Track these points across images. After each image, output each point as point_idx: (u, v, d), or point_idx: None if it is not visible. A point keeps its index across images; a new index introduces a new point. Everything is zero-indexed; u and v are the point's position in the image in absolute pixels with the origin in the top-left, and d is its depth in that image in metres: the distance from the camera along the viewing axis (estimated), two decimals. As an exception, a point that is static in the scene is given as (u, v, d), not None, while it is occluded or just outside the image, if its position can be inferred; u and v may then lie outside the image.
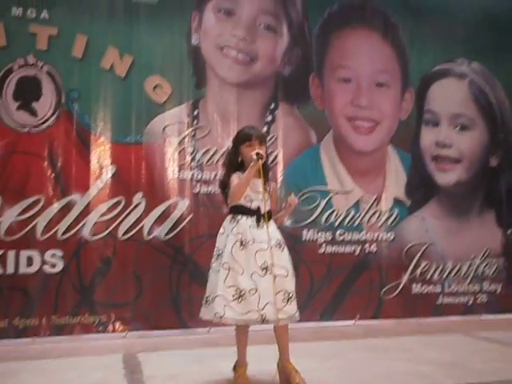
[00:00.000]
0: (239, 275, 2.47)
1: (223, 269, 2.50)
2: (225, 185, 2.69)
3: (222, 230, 2.67)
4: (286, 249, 2.62)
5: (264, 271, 2.48)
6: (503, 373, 2.82)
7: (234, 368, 2.69)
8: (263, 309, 2.42)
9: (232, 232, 2.56)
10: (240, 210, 2.59)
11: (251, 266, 2.47)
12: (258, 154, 2.53)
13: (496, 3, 5.27)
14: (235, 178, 2.60)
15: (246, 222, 2.56)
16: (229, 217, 2.65)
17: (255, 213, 2.58)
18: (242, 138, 2.66)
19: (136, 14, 4.13)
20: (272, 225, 2.62)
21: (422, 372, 2.84)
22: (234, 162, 2.67)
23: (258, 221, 2.56)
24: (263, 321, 2.43)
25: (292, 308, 2.50)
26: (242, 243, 2.51)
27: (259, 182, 2.60)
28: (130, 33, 4.11)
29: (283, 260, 2.56)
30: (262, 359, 2.71)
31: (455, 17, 5.04)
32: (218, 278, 2.50)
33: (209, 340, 3.75)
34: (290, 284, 2.52)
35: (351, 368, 2.96)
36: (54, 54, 3.91)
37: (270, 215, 2.60)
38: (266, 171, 2.65)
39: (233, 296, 2.45)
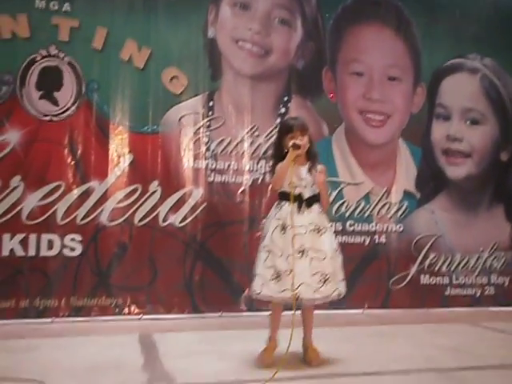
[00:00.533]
0: (277, 257, 2.64)
1: (264, 251, 2.71)
2: (272, 175, 2.87)
3: (268, 215, 2.86)
4: (327, 233, 2.74)
5: (300, 254, 2.63)
6: (507, 358, 2.90)
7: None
8: (297, 288, 2.57)
9: (275, 217, 2.73)
10: (284, 197, 2.75)
11: (288, 248, 2.62)
12: (293, 144, 2.69)
13: (508, 0, 5.31)
14: (278, 167, 2.76)
15: (288, 207, 2.70)
16: (276, 203, 2.81)
17: (297, 198, 2.71)
18: (284, 130, 2.82)
19: (154, 8, 4.24)
20: (314, 210, 2.75)
21: (428, 356, 2.94)
22: (279, 153, 2.82)
23: (299, 206, 2.70)
24: (297, 299, 2.58)
25: (328, 289, 2.66)
26: (282, 228, 2.68)
27: (304, 169, 2.76)
28: (148, 26, 4.22)
29: (321, 244, 2.69)
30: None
31: (468, 13, 5.09)
32: (259, 259, 2.71)
33: (221, 324, 3.87)
34: (326, 266, 2.66)
35: (360, 351, 3.06)
36: (75, 46, 4.03)
37: (312, 201, 2.75)
38: (311, 158, 2.80)
39: (271, 275, 2.64)
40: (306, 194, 2.75)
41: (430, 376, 2.56)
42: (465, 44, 5.03)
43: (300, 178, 2.76)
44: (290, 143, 2.70)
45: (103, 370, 2.55)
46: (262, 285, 2.65)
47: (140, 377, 2.47)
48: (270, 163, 3.03)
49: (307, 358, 2.76)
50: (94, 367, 2.60)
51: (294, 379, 2.53)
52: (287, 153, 2.75)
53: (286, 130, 2.80)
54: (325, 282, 2.63)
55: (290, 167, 2.70)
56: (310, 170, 2.78)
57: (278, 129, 2.95)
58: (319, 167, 2.84)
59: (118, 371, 2.53)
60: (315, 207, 2.76)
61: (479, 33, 5.07)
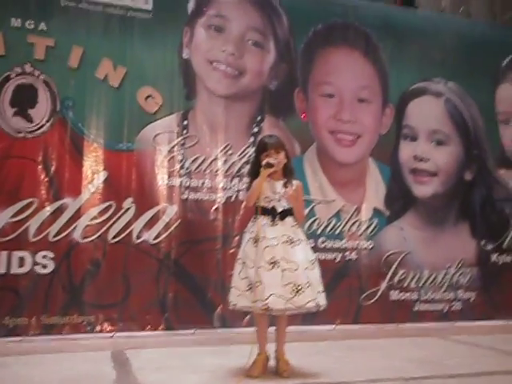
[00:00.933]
0: (249, 269, 2.72)
1: (238, 263, 2.81)
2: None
3: (245, 229, 2.94)
4: (300, 245, 2.82)
5: (271, 265, 2.69)
6: (472, 367, 3.00)
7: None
8: (267, 299, 2.63)
9: (249, 230, 2.84)
10: (260, 211, 2.84)
11: (259, 260, 2.70)
12: (266, 163, 2.80)
13: (470, 27, 5.64)
14: (253, 185, 2.86)
15: (262, 220, 2.79)
16: (252, 217, 2.90)
17: (270, 212, 2.80)
18: (259, 148, 2.93)
19: (130, 28, 4.32)
20: (287, 223, 2.83)
21: (396, 366, 3.02)
22: (256, 171, 2.89)
23: (272, 219, 2.79)
24: (267, 310, 2.65)
25: (301, 299, 2.71)
26: (255, 240, 2.77)
27: (279, 184, 2.86)
28: (123, 45, 4.30)
29: (293, 255, 2.76)
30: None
31: (432, 39, 5.35)
32: (235, 271, 2.81)
33: (194, 340, 3.88)
34: (299, 277, 2.71)
35: (331, 363, 3.12)
36: (51, 64, 4.07)
37: (285, 214, 2.83)
38: (287, 173, 2.91)
39: (246, 287, 2.72)
40: (280, 208, 2.84)
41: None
42: (430, 68, 5.27)
43: (274, 192, 2.86)
44: (263, 162, 2.80)
45: (76, 383, 2.54)
46: (238, 296, 2.73)
47: (113, 390, 2.47)
48: (247, 180, 3.13)
49: (279, 369, 2.81)
50: (66, 381, 2.58)
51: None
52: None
53: (261, 148, 2.92)
54: (297, 292, 2.68)
55: (264, 184, 2.80)
56: (285, 185, 2.88)
57: (255, 147, 3.06)
58: (295, 182, 2.93)
59: (90, 385, 2.53)
60: (289, 220, 2.84)
61: (443, 58, 5.33)
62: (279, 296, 2.66)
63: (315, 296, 2.79)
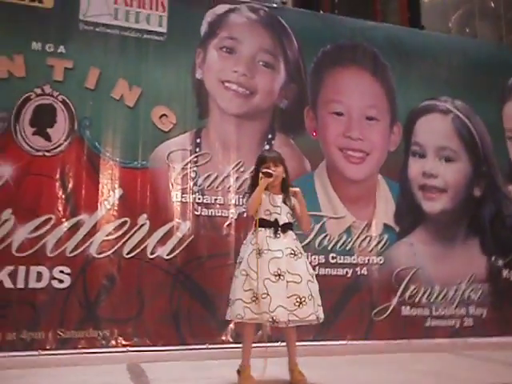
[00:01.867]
0: (254, 280, 2.73)
1: (241, 275, 2.80)
2: None
3: (245, 241, 2.98)
4: (302, 258, 2.87)
5: (277, 277, 2.72)
6: (486, 380, 3.02)
7: (238, 372, 2.88)
8: (274, 311, 2.66)
9: (251, 242, 2.86)
10: (261, 223, 2.89)
11: (264, 272, 2.73)
12: (264, 172, 2.86)
13: (476, 48, 5.76)
14: (252, 194, 2.93)
15: (264, 233, 2.84)
16: (252, 229, 2.94)
17: (273, 224, 2.85)
18: (259, 162, 3.00)
19: (145, 50, 4.48)
20: (289, 236, 2.88)
21: (410, 379, 3.04)
22: (255, 184, 2.96)
23: (275, 232, 2.83)
24: (274, 321, 2.68)
25: (304, 311, 2.74)
26: (258, 252, 2.79)
27: (279, 198, 2.93)
28: (139, 67, 4.45)
29: (297, 267, 2.80)
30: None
31: (439, 59, 5.48)
32: (237, 284, 2.80)
33: (208, 355, 3.91)
34: (302, 289, 2.76)
35: (344, 376, 3.15)
36: (69, 85, 4.22)
37: (287, 227, 2.89)
38: (285, 188, 2.96)
39: (251, 299, 2.72)
40: (281, 221, 2.89)
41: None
42: (437, 87, 5.38)
43: (275, 205, 2.91)
44: (262, 171, 2.87)
45: (94, 393, 2.60)
46: (244, 308, 2.73)
47: (131, 399, 2.53)
48: (247, 193, 3.18)
49: (293, 379, 2.84)
50: (84, 392, 2.64)
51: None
52: None
53: (260, 161, 2.99)
54: (300, 304, 2.73)
55: (264, 194, 2.88)
56: (284, 200, 2.94)
57: (255, 162, 3.11)
58: (292, 189, 3.00)
59: (109, 395, 2.58)
60: (290, 233, 2.90)
61: (450, 77, 5.45)
62: (284, 308, 2.68)
63: (316, 309, 2.83)
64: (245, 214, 4.45)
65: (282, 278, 2.73)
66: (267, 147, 4.67)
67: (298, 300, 2.73)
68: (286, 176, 2.99)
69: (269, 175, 2.85)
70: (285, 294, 2.71)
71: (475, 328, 4.98)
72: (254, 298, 2.72)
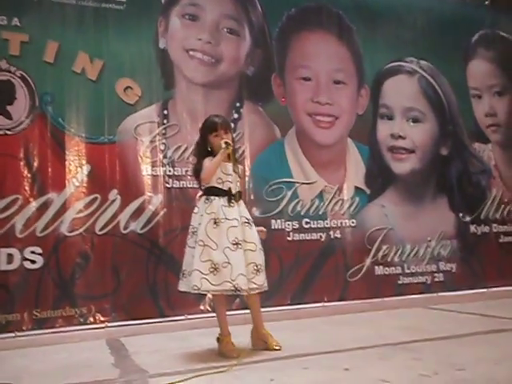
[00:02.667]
0: (213, 250, 2.70)
1: (199, 245, 2.74)
2: (198, 172, 2.93)
3: (196, 210, 2.92)
4: (253, 226, 2.88)
5: (235, 246, 2.72)
6: (454, 330, 3.15)
7: (218, 340, 2.91)
8: (235, 279, 2.67)
9: (206, 211, 2.80)
10: (213, 192, 2.86)
11: (223, 241, 2.72)
12: (226, 142, 2.82)
13: (439, 6, 5.75)
14: (207, 162, 2.87)
15: (219, 201, 2.81)
16: (203, 198, 2.90)
17: (226, 193, 2.83)
18: (208, 128, 2.92)
19: (104, 20, 4.32)
20: (242, 204, 2.89)
21: (383, 334, 3.15)
22: (203, 151, 2.93)
23: (229, 200, 2.82)
24: (236, 289, 2.68)
25: (260, 279, 2.77)
26: (215, 221, 2.76)
27: (230, 166, 2.88)
28: (99, 38, 4.29)
29: (251, 236, 2.82)
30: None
31: (404, 19, 5.48)
32: (194, 254, 2.74)
33: (187, 325, 3.95)
34: (258, 257, 2.79)
35: (322, 336, 3.24)
36: (27, 60, 4.04)
37: (240, 195, 2.87)
38: (234, 155, 2.92)
39: (209, 269, 2.68)
40: (234, 189, 2.87)
41: (385, 349, 2.76)
42: (402, 48, 5.39)
43: (227, 173, 2.88)
44: (223, 141, 2.82)
45: (75, 369, 2.60)
46: (201, 279, 2.68)
47: (112, 372, 2.54)
48: (194, 160, 3.12)
49: (269, 345, 2.85)
50: (65, 368, 2.65)
51: (259, 362, 2.65)
52: (211, 150, 2.89)
53: (210, 127, 2.92)
54: (257, 272, 2.75)
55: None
56: (234, 168, 2.90)
57: (201, 127, 3.04)
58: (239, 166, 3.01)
59: (90, 369, 2.59)
60: (242, 201, 2.90)
61: (415, 37, 5.46)
62: (244, 275, 2.69)
63: (265, 276, 2.84)
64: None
65: (239, 246, 2.73)
66: (236, 116, 4.64)
67: (255, 268, 2.75)
68: (233, 143, 2.97)
69: (229, 145, 2.82)
70: (244, 263, 2.71)
71: (446, 283, 5.17)
72: (212, 269, 2.68)
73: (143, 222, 4.22)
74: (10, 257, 3.86)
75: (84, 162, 4.14)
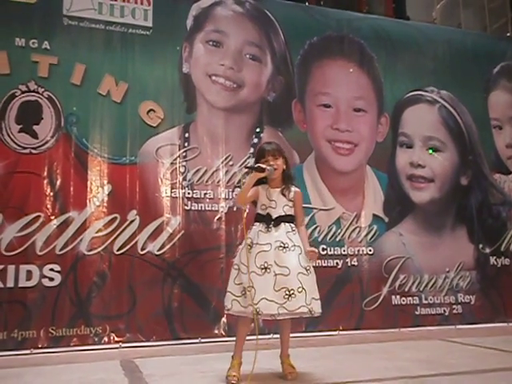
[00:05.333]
0: (243, 274, 2.76)
1: (234, 269, 2.85)
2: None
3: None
4: (294, 251, 2.80)
5: (263, 270, 2.72)
6: (474, 365, 3.07)
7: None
8: (257, 303, 2.66)
9: (246, 238, 2.85)
10: (256, 218, 2.92)
11: (251, 265, 2.74)
12: (257, 167, 2.84)
13: (461, 37, 5.80)
14: (247, 179, 2.93)
15: (258, 227, 2.87)
16: (252, 225, 2.95)
17: (265, 218, 2.87)
18: (259, 155, 2.97)
19: (131, 45, 4.46)
20: (281, 228, 2.85)
21: (400, 366, 3.08)
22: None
23: (267, 226, 2.84)
24: (258, 314, 2.67)
25: (293, 304, 2.71)
26: (250, 247, 2.81)
27: (274, 191, 2.92)
28: (125, 62, 4.42)
29: (285, 261, 2.76)
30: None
31: (425, 49, 5.54)
32: (230, 277, 2.85)
33: (201, 349, 3.93)
34: (292, 282, 2.73)
35: (336, 366, 3.18)
36: (55, 81, 4.18)
37: (280, 220, 2.86)
38: (286, 180, 2.95)
39: (241, 292, 2.76)
40: (275, 214, 2.87)
41: (403, 382, 2.70)
42: (423, 77, 5.43)
43: (271, 199, 2.90)
44: (253, 166, 2.86)
45: (89, 390, 2.60)
46: (233, 301, 2.76)
47: (126, 395, 2.53)
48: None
49: (284, 371, 2.85)
50: (79, 389, 2.64)
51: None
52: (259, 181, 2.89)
53: (260, 154, 2.96)
54: (289, 297, 2.70)
55: (262, 188, 2.88)
56: (282, 192, 2.91)
57: (255, 154, 3.10)
58: (293, 189, 2.96)
59: (104, 391, 2.58)
60: (283, 226, 2.86)
61: (436, 67, 5.50)
62: (271, 300, 2.67)
63: (309, 301, 2.76)
64: (235, 208, 4.46)
65: (268, 270, 2.72)
66: (255, 141, 4.68)
67: (287, 293, 2.71)
68: (286, 167, 2.96)
69: (260, 170, 2.82)
70: (272, 287, 2.70)
71: (464, 315, 5.07)
72: (243, 292, 2.74)
73: (161, 244, 4.26)
74: (29, 273, 3.91)
75: (105, 182, 4.21)
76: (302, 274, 2.78)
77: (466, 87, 5.50)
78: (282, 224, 2.87)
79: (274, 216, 2.87)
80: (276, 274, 2.73)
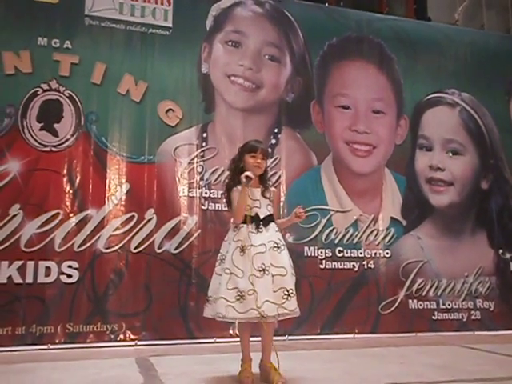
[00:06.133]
0: (239, 278, 2.66)
1: (225, 274, 2.71)
2: (229, 188, 2.91)
3: (226, 238, 2.88)
4: (285, 250, 2.79)
5: (262, 272, 2.66)
6: (491, 373, 3.01)
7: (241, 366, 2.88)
8: (261, 307, 2.60)
9: (233, 239, 2.77)
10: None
11: (249, 268, 2.66)
12: (247, 177, 2.73)
13: (483, 39, 5.71)
14: (235, 194, 2.82)
15: (247, 228, 2.77)
16: (232, 225, 2.87)
17: (253, 219, 2.79)
18: (248, 148, 2.90)
19: (151, 44, 4.49)
20: (271, 228, 2.82)
21: (416, 372, 3.04)
22: (237, 168, 2.89)
23: (257, 226, 2.78)
24: (262, 317, 2.61)
25: (291, 304, 2.69)
26: (241, 249, 2.72)
27: (257, 191, 2.85)
28: (144, 61, 4.46)
29: (281, 261, 2.74)
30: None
31: (446, 50, 5.47)
32: (220, 282, 2.71)
33: (216, 349, 3.93)
34: (288, 282, 2.71)
35: (351, 369, 3.15)
36: (75, 80, 4.24)
37: (268, 220, 2.82)
38: (264, 181, 2.91)
39: (235, 297, 2.64)
40: (262, 214, 2.82)
41: (421, 388, 2.67)
42: (444, 79, 5.36)
43: (254, 199, 2.83)
44: (243, 175, 2.73)
45: (105, 386, 2.62)
46: (227, 307, 2.63)
47: (141, 392, 2.54)
48: (227, 175, 3.09)
49: (272, 379, 2.69)
50: (95, 384, 2.67)
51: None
52: (243, 168, 2.82)
53: (249, 149, 2.88)
54: (288, 296, 2.67)
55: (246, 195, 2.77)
56: (262, 193, 2.86)
57: (241, 146, 3.00)
58: (272, 189, 2.94)
59: (119, 388, 2.60)
60: (272, 225, 2.83)
61: (457, 69, 5.43)
62: (271, 302, 2.63)
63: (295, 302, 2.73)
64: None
65: (266, 272, 2.67)
66: (273, 141, 4.68)
67: (286, 292, 2.67)
68: (265, 169, 2.92)
69: (250, 180, 2.74)
70: (271, 288, 2.65)
71: (483, 321, 4.98)
72: (238, 297, 2.64)
73: (177, 243, 4.28)
74: (48, 270, 3.97)
75: (123, 180, 4.25)
76: (292, 274, 2.77)
77: (488, 89, 5.41)
78: (271, 224, 2.83)
79: (262, 216, 2.81)
80: (273, 275, 2.68)
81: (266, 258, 2.70)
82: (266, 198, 2.87)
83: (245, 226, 2.78)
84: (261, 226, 2.78)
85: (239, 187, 2.82)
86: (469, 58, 5.53)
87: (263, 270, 2.67)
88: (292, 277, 2.77)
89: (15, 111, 4.05)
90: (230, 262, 2.72)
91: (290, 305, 2.69)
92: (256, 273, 2.66)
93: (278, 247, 2.78)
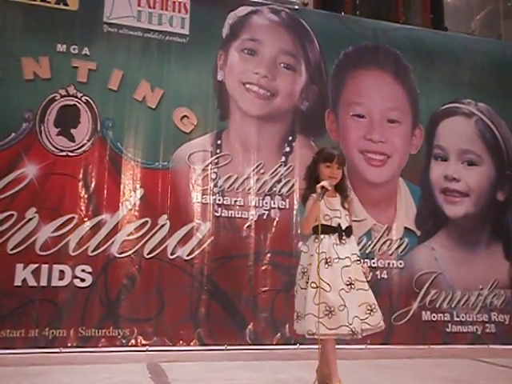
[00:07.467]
0: (327, 292, 2.54)
1: (311, 288, 2.57)
2: (304, 199, 2.78)
3: (305, 249, 2.74)
4: (361, 264, 2.69)
5: (349, 287, 2.56)
6: (507, 388, 2.97)
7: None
8: (352, 323, 2.50)
9: (316, 251, 2.61)
10: (322, 230, 2.65)
11: (338, 282, 2.55)
12: (322, 187, 2.61)
13: (500, 49, 5.67)
14: (310, 202, 2.70)
15: (330, 239, 2.64)
16: (312, 236, 2.71)
17: (336, 230, 2.67)
18: (323, 157, 2.75)
19: (168, 52, 4.53)
20: (353, 240, 2.72)
21: (429, 385, 3.01)
22: (313, 177, 2.76)
23: (340, 237, 2.66)
24: (353, 333, 2.51)
25: (374, 319, 2.61)
26: (326, 261, 2.59)
27: (335, 200, 2.72)
28: (161, 68, 4.50)
29: (362, 275, 2.66)
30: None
31: (462, 60, 5.42)
32: (306, 296, 2.59)
33: (227, 356, 3.92)
34: (371, 297, 2.64)
35: (363, 381, 3.12)
36: (93, 86, 4.29)
37: (350, 231, 2.71)
38: (342, 190, 2.77)
39: (323, 312, 2.52)
40: (343, 225, 2.69)
41: (433, 401, 2.63)
42: (460, 89, 5.32)
43: (333, 208, 2.71)
44: (319, 186, 2.61)
45: (116, 392, 2.63)
46: (317, 323, 2.50)
47: (152, 398, 2.55)
48: (303, 185, 2.94)
49: None
50: (106, 389, 2.68)
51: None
52: (318, 177, 2.71)
53: (326, 156, 2.74)
54: (371, 312, 2.60)
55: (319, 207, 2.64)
56: (341, 203, 2.74)
57: (316, 153, 2.87)
58: (350, 198, 2.83)
59: (130, 393, 2.61)
60: (353, 237, 2.73)
61: (473, 79, 5.38)
62: (358, 318, 2.54)
63: (381, 315, 2.67)
64: (264, 216, 4.46)
65: (353, 286, 2.57)
66: (287, 149, 4.68)
67: (369, 308, 2.59)
68: (342, 177, 2.77)
69: (325, 191, 2.61)
70: (357, 304, 2.57)
71: (498, 335, 4.90)
72: (326, 312, 2.51)
73: (190, 249, 4.29)
74: (62, 273, 4.00)
75: (138, 186, 4.28)
76: (370, 288, 2.68)
77: (505, 100, 5.36)
78: (352, 235, 2.72)
79: (344, 226, 2.69)
80: (358, 289, 2.59)
81: (351, 272, 2.59)
82: (344, 208, 2.74)
83: (327, 236, 2.64)
84: (344, 237, 2.66)
85: (315, 195, 2.67)
86: (485, 68, 5.48)
87: (350, 284, 2.57)
88: (370, 291, 2.67)
89: (33, 116, 4.11)
90: (315, 275, 2.57)
91: (373, 320, 2.61)
92: (345, 287, 2.55)
93: (360, 261, 2.68)
